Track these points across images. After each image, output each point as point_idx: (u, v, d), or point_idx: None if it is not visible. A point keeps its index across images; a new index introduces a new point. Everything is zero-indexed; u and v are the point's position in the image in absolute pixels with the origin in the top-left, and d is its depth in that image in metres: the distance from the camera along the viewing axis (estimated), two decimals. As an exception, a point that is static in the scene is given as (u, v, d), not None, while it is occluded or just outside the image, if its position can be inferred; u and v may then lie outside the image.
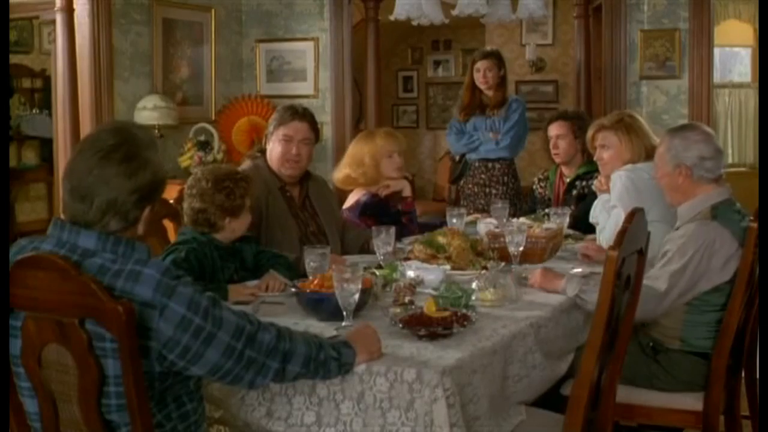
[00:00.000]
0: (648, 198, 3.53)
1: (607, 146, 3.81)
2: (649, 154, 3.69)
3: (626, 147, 3.75)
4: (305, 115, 3.73)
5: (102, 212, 1.94)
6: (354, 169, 4.21)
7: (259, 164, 3.73)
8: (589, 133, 3.96)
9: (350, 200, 4.23)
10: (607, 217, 3.70)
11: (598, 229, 3.77)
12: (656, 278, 2.89)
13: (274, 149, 3.69)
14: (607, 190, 3.81)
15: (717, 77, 7.54)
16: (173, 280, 1.90)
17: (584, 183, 4.51)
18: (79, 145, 2.03)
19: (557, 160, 4.67)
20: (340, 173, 4.28)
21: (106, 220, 1.95)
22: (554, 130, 4.64)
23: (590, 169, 4.45)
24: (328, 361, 2.10)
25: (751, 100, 9.37)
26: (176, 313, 1.87)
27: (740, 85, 9.52)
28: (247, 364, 1.97)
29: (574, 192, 4.52)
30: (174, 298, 1.88)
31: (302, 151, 3.68)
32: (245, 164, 3.80)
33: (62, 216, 2.01)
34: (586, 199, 4.34)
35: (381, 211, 4.15)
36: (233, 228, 3.06)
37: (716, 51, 6.73)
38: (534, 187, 4.88)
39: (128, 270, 1.89)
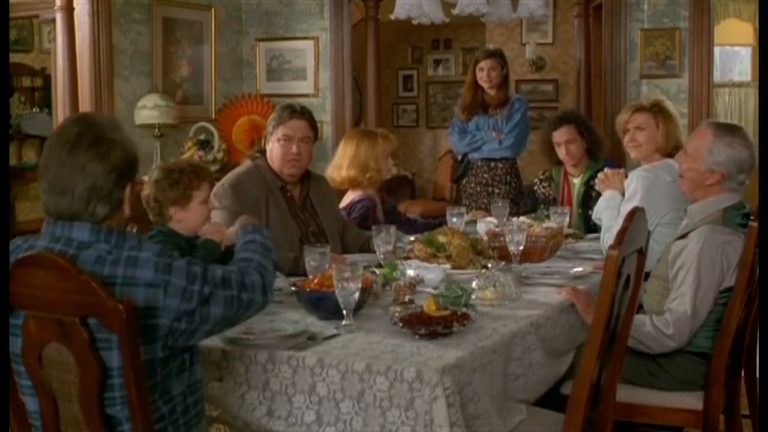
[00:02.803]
0: (663, 202, 3.51)
1: (643, 128, 3.75)
2: (676, 146, 3.65)
3: (662, 132, 3.71)
4: (304, 114, 3.72)
5: (85, 201, 1.97)
6: (361, 172, 4.18)
7: (259, 164, 3.72)
8: (625, 115, 3.88)
9: (345, 200, 4.24)
10: (614, 215, 3.65)
11: (603, 228, 3.73)
12: (681, 297, 2.85)
13: (274, 149, 3.68)
14: (609, 187, 3.79)
15: (717, 76, 7.54)
16: (168, 258, 1.97)
17: None
18: (47, 143, 2.04)
19: (570, 163, 4.55)
20: (342, 174, 4.22)
21: (92, 208, 1.97)
22: (563, 135, 4.50)
23: (599, 167, 4.40)
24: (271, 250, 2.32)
25: (751, 99, 9.37)
26: (178, 286, 1.95)
27: (740, 85, 9.52)
28: (247, 305, 2.10)
29: (594, 194, 4.40)
30: (173, 274, 1.95)
31: (302, 150, 3.67)
32: (245, 165, 3.79)
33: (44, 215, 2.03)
34: None
35: (366, 220, 4.14)
36: (181, 219, 2.96)
37: (716, 50, 6.74)
38: (535, 188, 4.79)
39: (125, 257, 1.94)
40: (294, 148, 3.64)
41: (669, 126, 3.73)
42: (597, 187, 3.96)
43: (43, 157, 2.02)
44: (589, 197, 4.41)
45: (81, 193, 1.96)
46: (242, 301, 2.08)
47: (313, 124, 3.74)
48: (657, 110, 3.77)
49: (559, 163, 4.64)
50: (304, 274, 2.86)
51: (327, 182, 4.06)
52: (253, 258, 2.23)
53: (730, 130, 3.02)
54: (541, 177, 4.78)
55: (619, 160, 4.56)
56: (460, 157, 5.54)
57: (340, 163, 4.25)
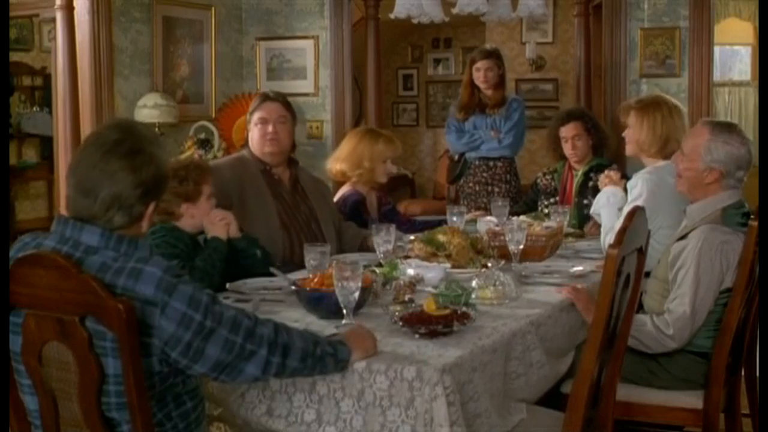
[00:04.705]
0: (667, 205, 3.50)
1: (630, 126, 3.78)
2: (666, 143, 3.64)
3: (638, 128, 3.70)
4: (277, 97, 3.82)
5: (106, 206, 1.95)
6: (351, 167, 4.24)
7: (243, 154, 3.81)
8: (620, 108, 3.95)
9: (337, 195, 4.28)
10: (613, 213, 3.65)
11: (603, 229, 3.71)
12: (680, 297, 2.85)
13: (253, 135, 3.76)
14: (611, 185, 3.80)
15: (717, 75, 7.52)
16: (174, 278, 1.91)
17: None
18: (84, 142, 2.05)
19: (574, 159, 4.64)
20: (336, 166, 4.29)
21: (110, 215, 1.96)
22: (571, 131, 4.60)
23: (602, 162, 4.48)
24: (325, 357, 2.11)
25: (750, 98, 9.36)
26: (177, 310, 1.88)
27: (740, 84, 9.52)
28: (248, 357, 1.98)
29: (590, 184, 4.49)
30: (175, 296, 1.89)
31: (279, 130, 3.72)
32: (232, 155, 3.86)
33: (64, 212, 2.02)
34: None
35: (357, 213, 4.17)
36: (193, 214, 3.06)
37: (716, 49, 6.72)
38: (537, 180, 4.85)
39: (129, 268, 1.90)
40: (270, 128, 3.71)
41: (653, 123, 3.70)
42: (600, 186, 3.97)
43: (76, 155, 2.03)
44: (586, 187, 4.50)
45: (104, 197, 1.95)
46: (244, 350, 1.96)
47: (287, 106, 3.83)
48: (639, 108, 3.78)
49: (564, 158, 4.72)
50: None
51: (323, 181, 4.13)
52: (281, 323, 2.09)
53: (726, 127, 3.03)
54: (545, 171, 4.87)
55: (623, 159, 4.57)
56: (457, 157, 5.54)
57: (337, 155, 4.34)
